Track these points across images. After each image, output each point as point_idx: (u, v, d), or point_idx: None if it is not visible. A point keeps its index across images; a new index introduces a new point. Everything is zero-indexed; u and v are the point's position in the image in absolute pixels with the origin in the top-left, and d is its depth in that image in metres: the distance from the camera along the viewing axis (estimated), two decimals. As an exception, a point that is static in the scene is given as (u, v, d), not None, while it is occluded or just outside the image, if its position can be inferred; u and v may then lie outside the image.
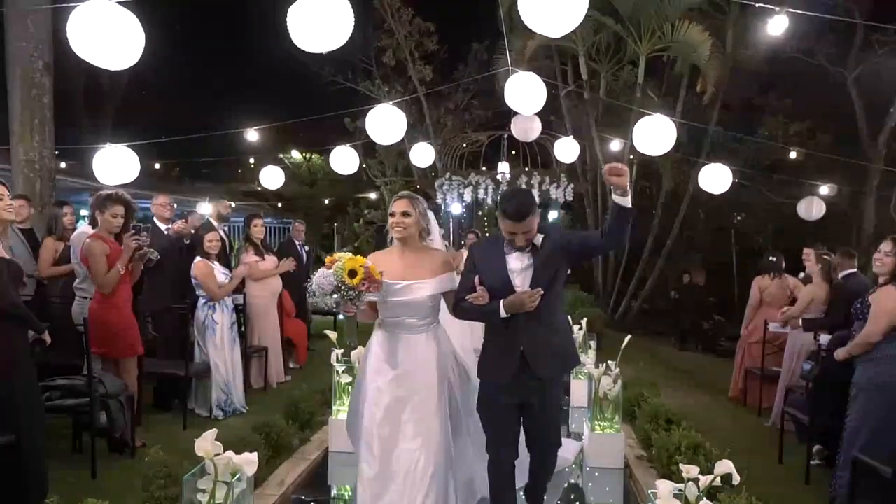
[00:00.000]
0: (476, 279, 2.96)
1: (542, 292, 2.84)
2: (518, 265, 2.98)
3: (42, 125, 6.62)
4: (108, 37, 3.06)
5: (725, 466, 2.40)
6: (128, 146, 4.93)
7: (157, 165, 15.38)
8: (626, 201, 2.73)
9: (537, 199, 3.15)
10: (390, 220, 3.12)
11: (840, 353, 4.12)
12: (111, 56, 3.13)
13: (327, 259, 2.96)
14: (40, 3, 6.37)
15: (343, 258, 2.91)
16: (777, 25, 5.56)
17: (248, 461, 2.41)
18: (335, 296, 2.89)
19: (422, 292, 3.08)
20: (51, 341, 3.74)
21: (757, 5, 5.58)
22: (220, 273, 5.59)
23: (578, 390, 5.82)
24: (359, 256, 2.94)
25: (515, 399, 3.03)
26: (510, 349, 2.97)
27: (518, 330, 2.95)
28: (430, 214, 3.31)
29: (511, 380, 2.98)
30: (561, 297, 3.16)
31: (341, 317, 5.03)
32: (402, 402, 3.06)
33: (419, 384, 3.08)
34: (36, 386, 3.69)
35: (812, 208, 9.74)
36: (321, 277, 2.89)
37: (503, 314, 2.89)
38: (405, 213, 3.09)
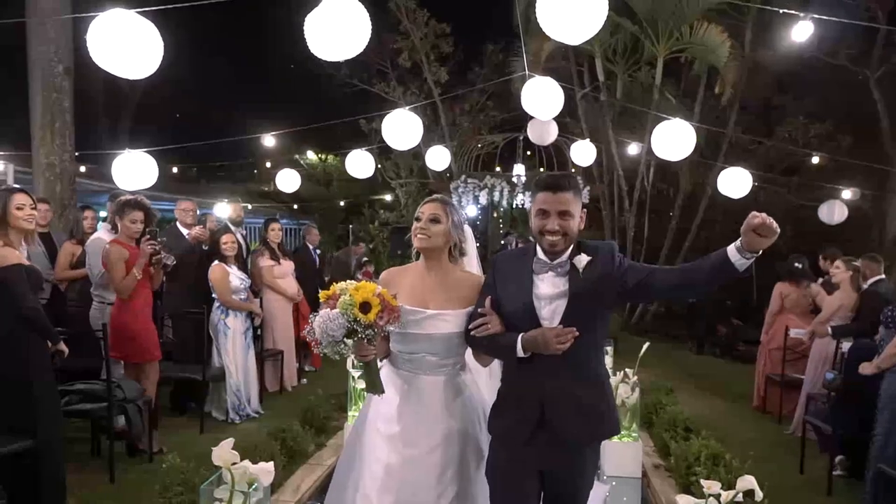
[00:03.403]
0: (488, 300, 2.35)
1: (577, 333, 2.18)
2: (549, 290, 2.29)
3: (63, 129, 6.73)
4: (128, 46, 3.08)
5: (747, 482, 2.37)
6: (146, 151, 4.97)
7: (174, 169, 15.53)
8: (745, 263, 2.06)
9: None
10: (415, 224, 2.52)
11: (867, 369, 4.05)
12: (130, 66, 3.16)
13: (323, 295, 2.33)
14: (61, 9, 6.45)
15: (347, 290, 2.29)
16: (801, 32, 5.44)
17: (265, 471, 2.41)
18: (350, 341, 2.29)
19: (446, 326, 2.44)
20: (68, 347, 3.79)
21: (781, 11, 5.49)
22: (235, 277, 5.61)
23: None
24: (364, 282, 2.33)
25: (533, 465, 2.36)
26: (528, 400, 2.32)
27: (539, 377, 2.29)
28: (468, 230, 2.68)
29: (528, 440, 2.31)
30: (602, 342, 2.47)
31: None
32: (412, 464, 2.41)
33: (435, 441, 2.43)
34: (54, 390, 3.74)
35: (834, 212, 9.59)
36: (327, 321, 2.24)
37: (521, 353, 2.25)
38: (434, 219, 2.49)
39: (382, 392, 2.47)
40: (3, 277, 3.41)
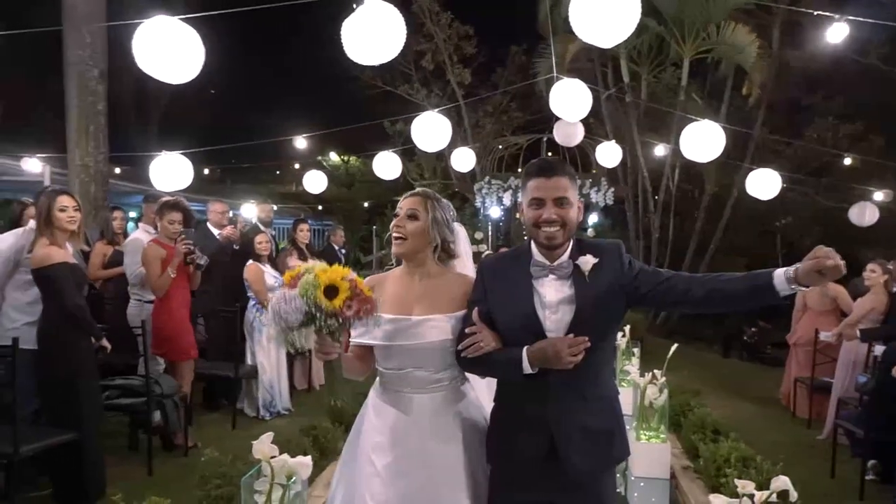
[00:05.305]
0: (475, 312, 2.03)
1: (589, 343, 1.90)
2: (553, 296, 2.00)
3: (97, 131, 6.88)
4: (172, 52, 3.19)
5: (782, 483, 2.37)
6: (182, 153, 5.09)
7: (205, 171, 15.79)
8: (790, 293, 1.81)
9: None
10: (393, 221, 2.21)
11: (900, 372, 4.01)
12: (174, 70, 3.26)
13: (286, 276, 1.95)
14: (97, 15, 6.62)
15: (313, 269, 1.90)
16: (836, 33, 5.35)
17: (304, 465, 2.47)
18: (305, 330, 1.88)
19: (435, 333, 2.10)
20: (110, 346, 3.90)
21: (815, 14, 5.42)
22: (270, 276, 5.72)
23: (624, 399, 5.74)
24: (337, 266, 1.93)
25: (539, 498, 2.07)
26: (533, 425, 2.01)
27: (546, 397, 1.99)
28: (459, 229, 2.33)
29: (534, 470, 2.03)
30: (612, 355, 2.23)
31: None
32: (408, 499, 2.08)
33: (435, 472, 2.09)
34: (97, 386, 3.87)
35: (865, 214, 9.41)
36: (283, 302, 1.86)
37: (527, 369, 1.94)
38: (412, 215, 2.17)
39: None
40: (49, 275, 3.54)
